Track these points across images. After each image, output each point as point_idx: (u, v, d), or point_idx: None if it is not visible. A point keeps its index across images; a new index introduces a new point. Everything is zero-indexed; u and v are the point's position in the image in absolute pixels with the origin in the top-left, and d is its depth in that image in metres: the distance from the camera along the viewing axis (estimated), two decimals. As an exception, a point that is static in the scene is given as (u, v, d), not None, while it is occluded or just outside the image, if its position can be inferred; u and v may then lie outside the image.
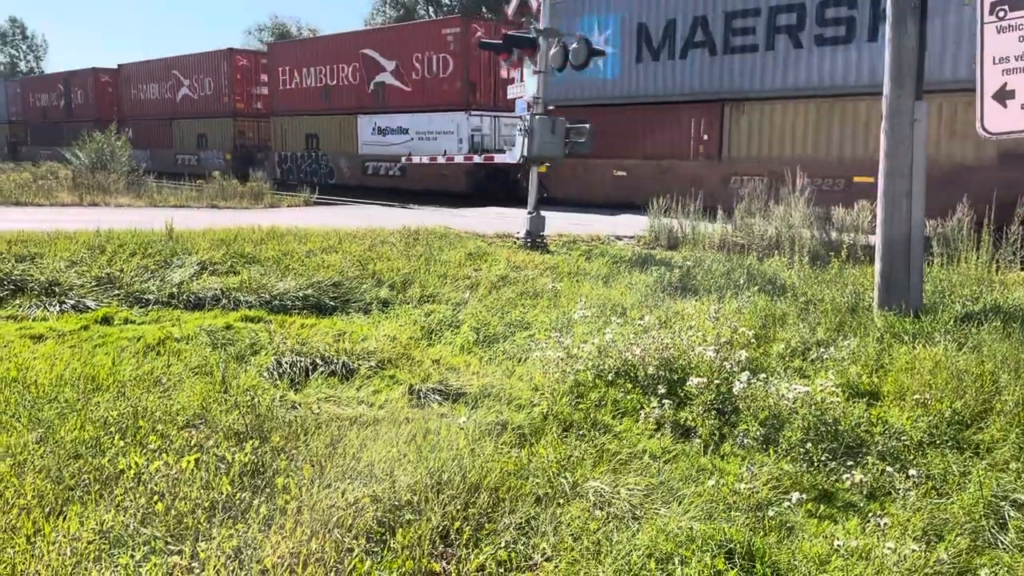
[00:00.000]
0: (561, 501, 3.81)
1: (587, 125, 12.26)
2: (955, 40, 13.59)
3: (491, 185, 21.16)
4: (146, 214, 15.23)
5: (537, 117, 12.01)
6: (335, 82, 26.64)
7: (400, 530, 3.38)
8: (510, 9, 13.05)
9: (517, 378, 5.78)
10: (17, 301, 7.58)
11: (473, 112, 22.34)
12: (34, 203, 17.93)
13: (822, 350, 6.23)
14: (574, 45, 11.72)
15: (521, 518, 3.61)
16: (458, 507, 3.60)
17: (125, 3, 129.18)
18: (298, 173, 25.08)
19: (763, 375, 5.23)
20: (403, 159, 18.89)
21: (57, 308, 7.43)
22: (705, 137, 17.77)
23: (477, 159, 18.09)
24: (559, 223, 13.96)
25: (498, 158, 16.48)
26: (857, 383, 5.51)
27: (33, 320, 7.09)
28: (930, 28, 8.05)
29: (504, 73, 20.82)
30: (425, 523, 3.44)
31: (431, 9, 52.07)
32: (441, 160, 19.11)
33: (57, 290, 7.84)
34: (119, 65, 40.01)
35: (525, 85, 12.46)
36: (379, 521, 3.45)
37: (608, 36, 19.21)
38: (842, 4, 15.21)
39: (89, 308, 7.51)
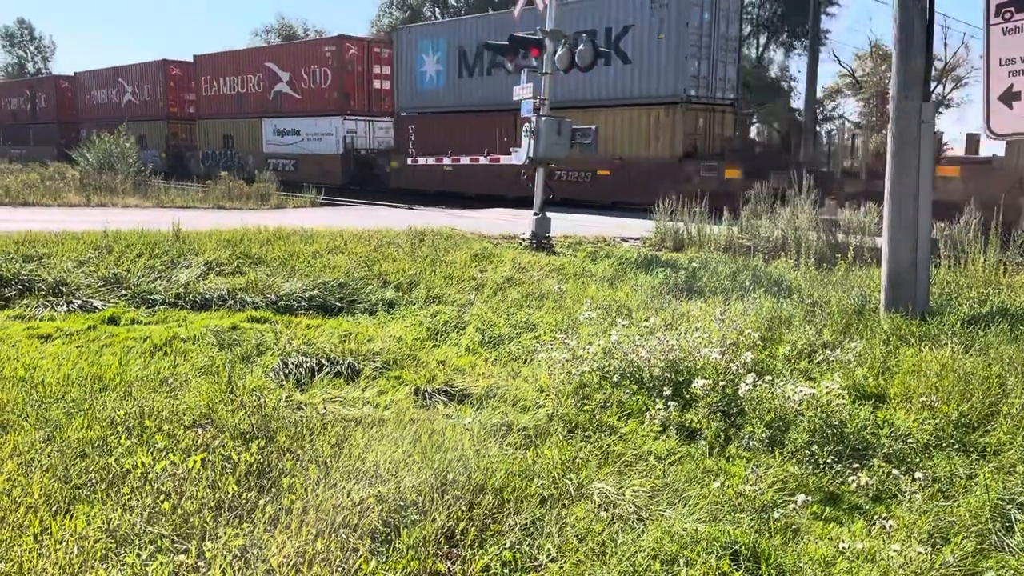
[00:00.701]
0: (566, 502, 3.81)
1: (593, 127, 12.27)
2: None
3: (363, 177, 26.22)
4: (153, 215, 15.29)
5: (544, 119, 12.02)
6: (245, 90, 31.71)
7: (405, 530, 3.38)
8: (516, 10, 13.07)
9: (522, 379, 5.78)
10: (25, 301, 7.62)
11: (348, 117, 27.25)
12: (41, 203, 18.02)
13: (828, 352, 6.22)
14: (580, 47, 11.72)
15: (526, 519, 3.61)
16: (463, 508, 3.60)
17: (135, 3, 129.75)
18: (217, 168, 27.98)
19: (769, 377, 5.22)
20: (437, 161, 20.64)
21: (64, 308, 7.46)
22: (505, 139, 21.27)
23: (483, 160, 18.27)
24: (562, 224, 13.95)
25: (504, 159, 16.48)
26: (863, 385, 5.49)
27: (40, 320, 7.12)
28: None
29: (376, 84, 27.18)
30: (430, 524, 3.44)
31: (437, 11, 52.12)
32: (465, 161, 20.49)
33: (64, 290, 7.88)
34: (75, 73, 44.22)
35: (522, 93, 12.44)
36: (384, 521, 3.46)
37: (439, 56, 24.13)
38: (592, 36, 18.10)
39: (96, 308, 7.54)
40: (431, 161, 22.02)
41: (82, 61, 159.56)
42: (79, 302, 7.61)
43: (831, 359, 6.07)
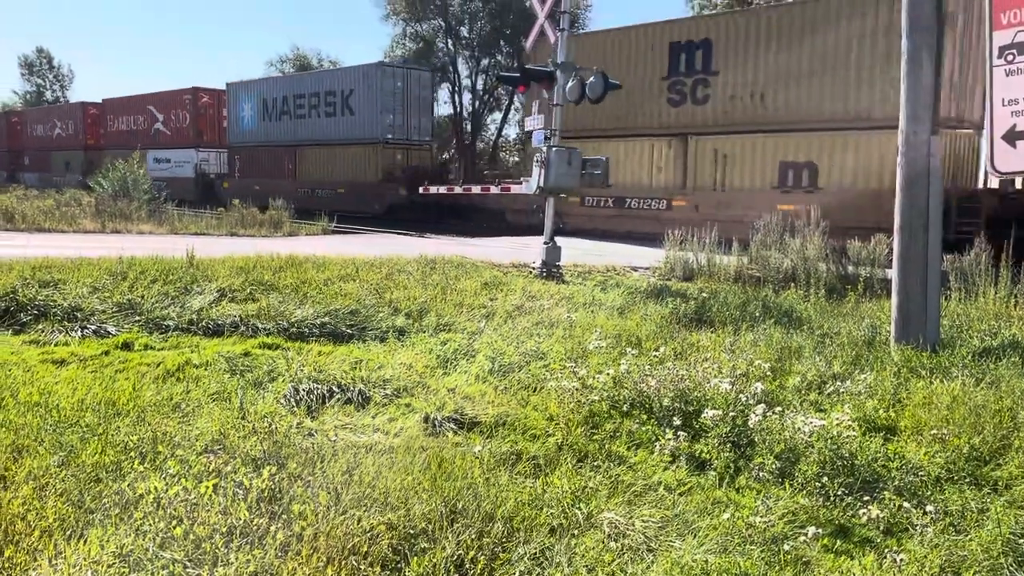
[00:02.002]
0: (576, 532, 3.82)
1: (603, 158, 12.39)
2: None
3: (208, 195, 33.39)
4: (167, 241, 15.44)
5: (554, 149, 12.14)
6: (136, 127, 40.93)
7: (415, 558, 3.39)
8: (528, 43, 13.26)
9: (532, 408, 5.80)
10: (40, 326, 7.70)
11: (200, 149, 36.70)
12: (57, 229, 18.22)
13: (838, 384, 6.21)
14: (591, 79, 11.87)
15: (536, 548, 3.61)
16: (472, 536, 3.61)
17: (153, 32, 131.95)
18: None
19: (779, 408, 5.22)
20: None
21: (79, 333, 7.53)
22: (290, 166, 32.38)
23: (495, 189, 18.52)
24: (572, 252, 14.00)
25: (514, 188, 16.73)
26: (874, 417, 5.48)
27: (55, 345, 7.19)
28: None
29: (225, 124, 36.51)
30: (440, 552, 3.45)
31: (449, 42, 52.75)
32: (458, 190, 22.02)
33: (79, 315, 7.95)
34: (22, 109, 53.83)
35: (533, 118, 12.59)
36: (394, 549, 3.47)
37: (251, 105, 34.04)
38: (334, 95, 30.02)
39: (110, 334, 7.61)
40: (249, 181, 32.82)
41: (103, 89, 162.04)
42: (93, 327, 7.69)
43: (841, 391, 6.06)
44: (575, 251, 14.42)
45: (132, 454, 4.20)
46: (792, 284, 10.68)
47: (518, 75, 12.62)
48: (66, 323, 7.77)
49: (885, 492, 4.37)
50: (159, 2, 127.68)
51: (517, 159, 39.57)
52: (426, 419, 5.53)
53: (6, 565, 3.08)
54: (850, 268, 10.84)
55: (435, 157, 30.80)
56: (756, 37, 17.93)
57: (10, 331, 7.64)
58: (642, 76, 20.19)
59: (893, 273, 7.65)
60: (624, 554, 3.63)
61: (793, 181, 17.42)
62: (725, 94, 18.75)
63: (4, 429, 4.54)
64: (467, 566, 3.44)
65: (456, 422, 5.50)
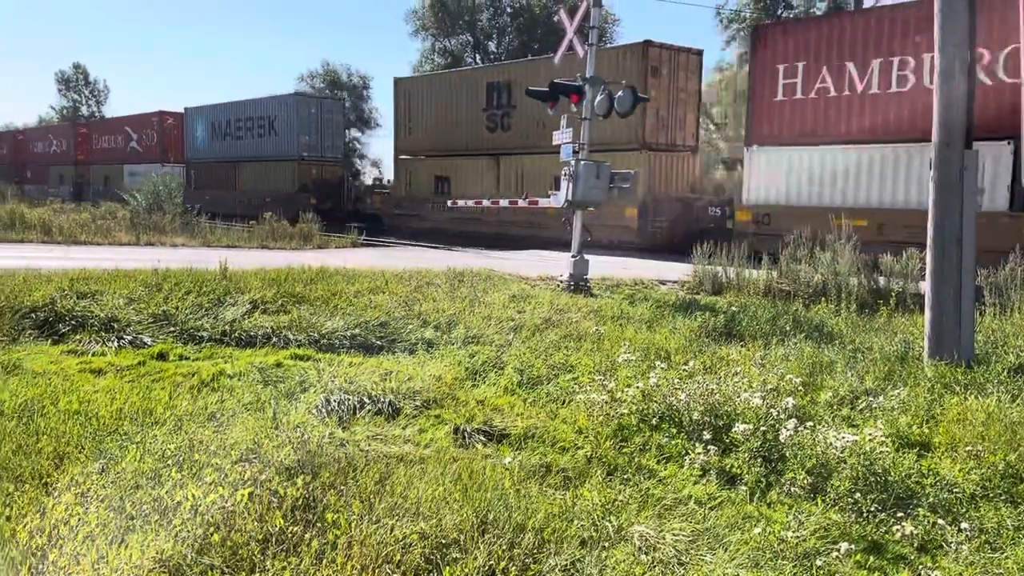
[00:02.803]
0: (606, 544, 3.82)
1: (632, 172, 12.42)
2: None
3: None
4: (200, 254, 15.69)
5: (582, 162, 12.18)
6: (116, 145, 46.16)
7: (447, 568, 3.43)
8: (557, 56, 13.35)
9: (561, 420, 5.82)
10: (78, 336, 7.87)
11: (165, 164, 41.06)
12: (93, 242, 18.60)
13: (871, 399, 6.16)
14: (620, 93, 11.91)
15: (566, 560, 3.63)
16: (503, 547, 3.63)
17: (188, 47, 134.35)
18: (99, 198, 38.92)
19: (810, 423, 5.19)
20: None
21: (115, 343, 7.69)
22: (233, 179, 37.04)
23: (522, 203, 18.63)
24: (600, 267, 14.01)
25: (542, 202, 16.83)
26: (907, 433, 5.43)
27: (93, 355, 7.35)
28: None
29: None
30: (471, 561, 3.48)
31: (478, 56, 53.15)
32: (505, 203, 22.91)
33: (116, 326, 8.12)
34: (24, 129, 61.12)
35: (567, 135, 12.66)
36: (426, 558, 3.51)
37: (203, 127, 39.53)
38: (264, 120, 34.94)
39: (146, 344, 7.76)
40: (202, 191, 37.29)
41: (135, 104, 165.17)
42: (129, 338, 7.84)
43: (874, 406, 6.01)
44: (600, 264, 14.42)
45: (170, 462, 4.29)
46: (823, 298, 10.60)
47: (547, 90, 12.69)
48: (103, 333, 7.94)
49: (919, 509, 4.33)
50: (199, 22, 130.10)
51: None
52: (456, 430, 5.57)
53: (51, 569, 3.17)
54: (882, 282, 10.73)
55: (345, 171, 35.97)
56: (537, 80, 21.09)
57: (49, 341, 7.82)
58: (469, 109, 25.97)
59: (926, 287, 7.57)
60: (655, 567, 3.64)
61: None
62: (521, 122, 24.05)
63: (46, 436, 4.65)
64: (498, 577, 3.47)
65: (485, 434, 5.54)
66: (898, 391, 6.30)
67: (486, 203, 22.43)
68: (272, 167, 34.47)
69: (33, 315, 8.21)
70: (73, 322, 8.21)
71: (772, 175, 18.06)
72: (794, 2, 41.70)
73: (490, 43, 53.91)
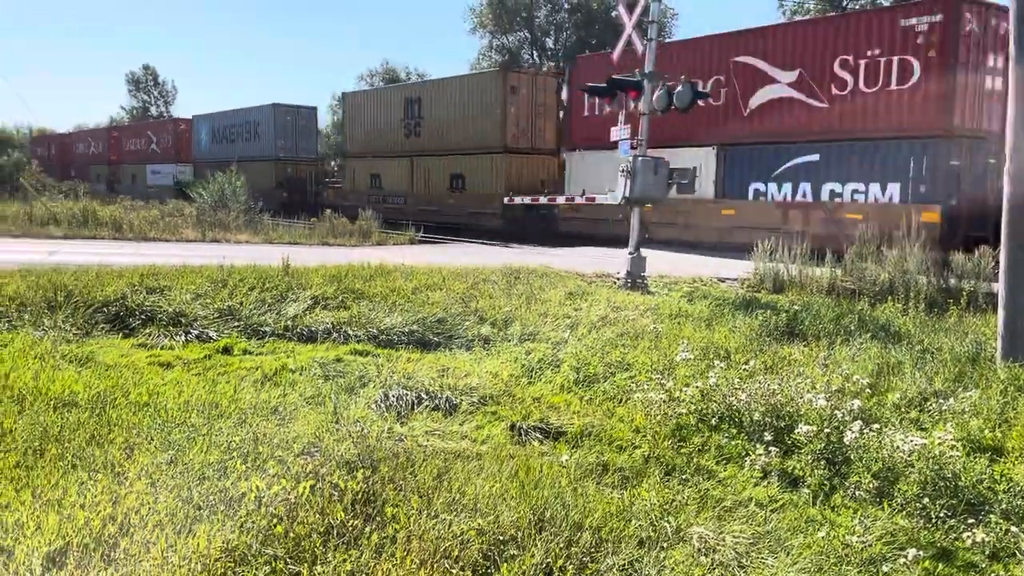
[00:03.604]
0: (665, 545, 3.79)
1: (691, 168, 12.27)
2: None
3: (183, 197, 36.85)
4: (263, 250, 16.05)
5: (640, 159, 12.07)
6: (142, 147, 51.40)
7: (504, 564, 3.44)
8: (615, 53, 13.24)
9: (618, 419, 5.78)
10: (147, 330, 8.12)
11: (178, 164, 46.92)
12: (161, 239, 19.18)
13: (940, 401, 5.97)
14: (679, 88, 11.76)
15: (624, 559, 3.61)
16: (561, 545, 3.63)
17: (256, 49, 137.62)
18: (128, 194, 42.71)
19: (877, 425, 5.05)
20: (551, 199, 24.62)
21: (183, 338, 7.92)
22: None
23: (580, 200, 18.64)
24: (657, 263, 13.87)
25: (599, 199, 16.78)
26: (979, 437, 5.25)
27: (161, 349, 7.58)
28: None
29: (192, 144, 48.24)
30: (529, 559, 3.48)
31: (535, 53, 53.14)
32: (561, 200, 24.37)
33: (183, 321, 8.36)
34: (70, 133, 67.32)
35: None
36: (484, 554, 3.52)
37: (207, 132, 44.84)
38: (250, 126, 40.07)
39: (211, 338, 7.97)
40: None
41: (202, 104, 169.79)
42: (196, 332, 8.07)
43: (943, 409, 5.82)
44: (659, 261, 14.26)
45: (235, 454, 4.39)
46: (889, 297, 10.30)
47: (605, 85, 12.60)
48: (171, 328, 8.18)
49: (991, 515, 4.18)
50: (264, 24, 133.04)
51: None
52: (512, 427, 5.59)
53: (122, 556, 3.28)
54: (952, 281, 10.38)
55: (311, 170, 40.22)
56: (438, 98, 28.94)
57: (120, 335, 8.09)
58: (393, 118, 31.31)
59: (1000, 286, 7.30)
60: (715, 569, 3.59)
61: (456, 186, 28.38)
62: (428, 130, 29.48)
63: (118, 427, 4.81)
64: (556, 574, 3.46)
65: (542, 431, 5.54)
66: (969, 393, 6.09)
67: (543, 200, 22.48)
68: (256, 166, 38.78)
69: (105, 310, 8.50)
70: (143, 316, 8.48)
71: (583, 174, 23.10)
72: (860, -8, 40.59)
73: (547, 39, 53.86)
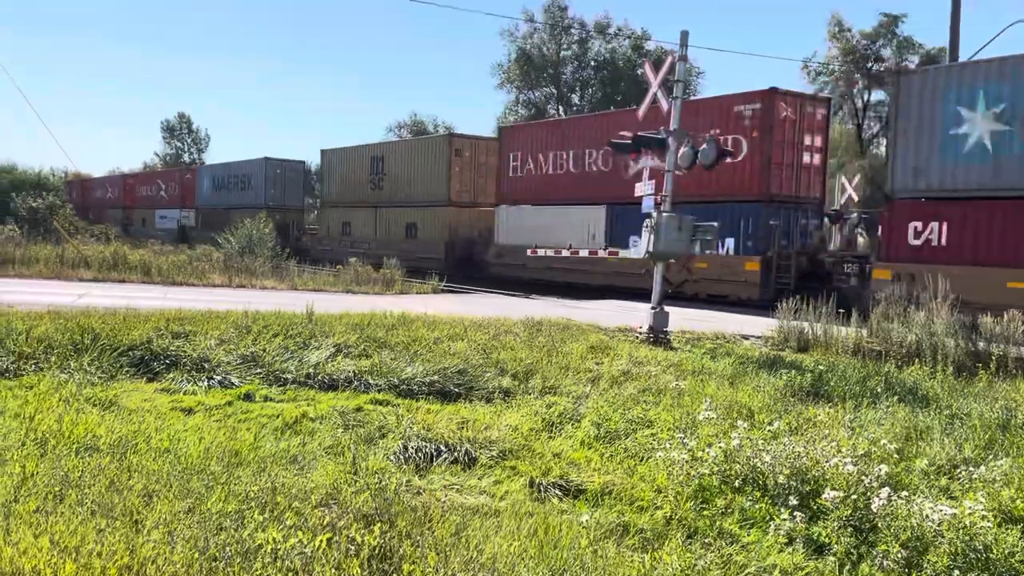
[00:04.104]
0: (686, 612, 3.69)
1: (715, 224, 12.27)
2: None
3: (185, 238, 45.45)
4: (288, 297, 16.19)
5: (664, 214, 12.11)
6: (152, 193, 57.55)
7: (521, 628, 3.36)
8: (641, 111, 13.40)
9: (639, 478, 5.69)
10: (171, 375, 8.18)
11: (183, 209, 52.08)
12: (188, 283, 19.42)
13: (970, 469, 5.82)
14: (704, 146, 11.85)
15: (644, 626, 3.52)
16: (580, 609, 3.55)
17: (285, 99, 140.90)
18: (141, 235, 47.88)
19: (905, 493, 4.93)
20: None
21: (205, 383, 7.95)
22: (225, 222, 38.16)
23: (602, 253, 18.70)
24: (678, 319, 13.80)
25: (622, 252, 16.86)
26: (1011, 508, 5.10)
27: (184, 393, 7.62)
28: None
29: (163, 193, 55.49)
30: (546, 623, 3.41)
31: (561, 108, 53.92)
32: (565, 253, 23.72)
33: (206, 366, 8.41)
34: (89, 178, 71.08)
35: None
36: (501, 617, 3.45)
37: (209, 181, 49.14)
38: (244, 177, 43.69)
39: (233, 384, 8.00)
40: (206, 231, 42.11)
41: (234, 151, 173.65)
42: (219, 378, 8.11)
43: (973, 477, 5.68)
44: (677, 317, 14.19)
45: (253, 504, 4.37)
46: (916, 359, 10.15)
47: (630, 142, 12.73)
48: (194, 373, 8.23)
49: (1026, 592, 4.04)
50: (295, 73, 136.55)
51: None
52: (531, 483, 5.52)
53: (136, 606, 3.25)
54: (981, 344, 10.21)
55: (295, 218, 44.73)
56: (397, 157, 34.26)
57: (144, 379, 8.16)
58: (361, 173, 36.26)
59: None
60: (737, 640, 3.49)
61: (410, 233, 33.37)
62: (388, 185, 34.55)
63: (138, 474, 4.82)
64: (573, 640, 3.38)
65: (562, 488, 5.47)
66: (1000, 462, 5.94)
67: (565, 252, 22.63)
68: (249, 214, 42.51)
69: (130, 353, 8.58)
70: (167, 361, 8.55)
71: (508, 225, 28.32)
72: (884, 54, 40.92)
73: (573, 95, 54.69)
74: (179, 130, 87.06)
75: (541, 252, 21.48)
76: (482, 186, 31.19)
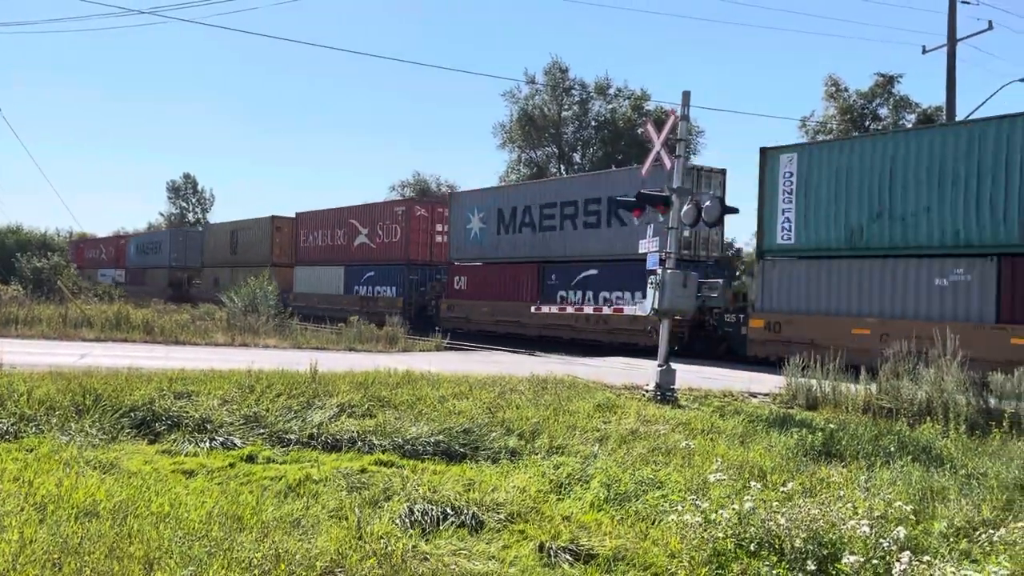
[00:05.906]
0: None
1: (719, 281, 12.27)
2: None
3: (177, 285, 53.92)
4: (291, 355, 16.11)
5: (669, 271, 12.11)
6: (97, 256, 68.36)
7: None
8: (644, 169, 13.53)
9: (651, 541, 5.55)
10: (172, 436, 8.07)
11: (117, 268, 62.73)
12: (191, 342, 19.38)
13: (990, 531, 5.67)
14: (707, 203, 11.92)
15: None
16: None
17: (286, 155, 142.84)
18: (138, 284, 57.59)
19: (926, 557, 4.79)
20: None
21: (207, 444, 7.84)
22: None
23: (607, 310, 18.70)
24: (689, 377, 13.69)
25: (627, 309, 16.83)
26: (1036, 572, 4.94)
27: (186, 455, 7.50)
28: None
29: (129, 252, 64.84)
30: None
31: (562, 167, 54.55)
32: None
33: (209, 427, 8.30)
34: (84, 239, 77.51)
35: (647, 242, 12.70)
36: None
37: (135, 247, 62.16)
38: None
39: (236, 446, 7.88)
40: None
41: (240, 211, 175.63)
42: (221, 439, 7.99)
43: (995, 539, 5.52)
44: (683, 373, 14.08)
45: (255, 572, 4.25)
46: (927, 417, 10.01)
47: (634, 200, 12.81)
48: (196, 434, 8.12)
49: (1059, 662, 3.88)
50: (298, 131, 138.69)
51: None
52: (541, 548, 5.38)
53: None
54: (992, 402, 10.08)
55: (197, 273, 51.99)
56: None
57: (145, 440, 8.05)
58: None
59: (1045, 409, 7.07)
60: None
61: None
62: (241, 251, 46.45)
63: (137, 540, 4.69)
64: None
65: (572, 553, 5.33)
66: (1021, 523, 5.78)
67: (570, 309, 22.63)
68: (159, 272, 54.08)
69: (132, 414, 8.49)
70: (169, 422, 8.45)
71: (304, 280, 41.71)
72: (882, 113, 41.54)
73: (575, 154, 55.37)
74: (184, 190, 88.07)
75: (545, 309, 21.51)
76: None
